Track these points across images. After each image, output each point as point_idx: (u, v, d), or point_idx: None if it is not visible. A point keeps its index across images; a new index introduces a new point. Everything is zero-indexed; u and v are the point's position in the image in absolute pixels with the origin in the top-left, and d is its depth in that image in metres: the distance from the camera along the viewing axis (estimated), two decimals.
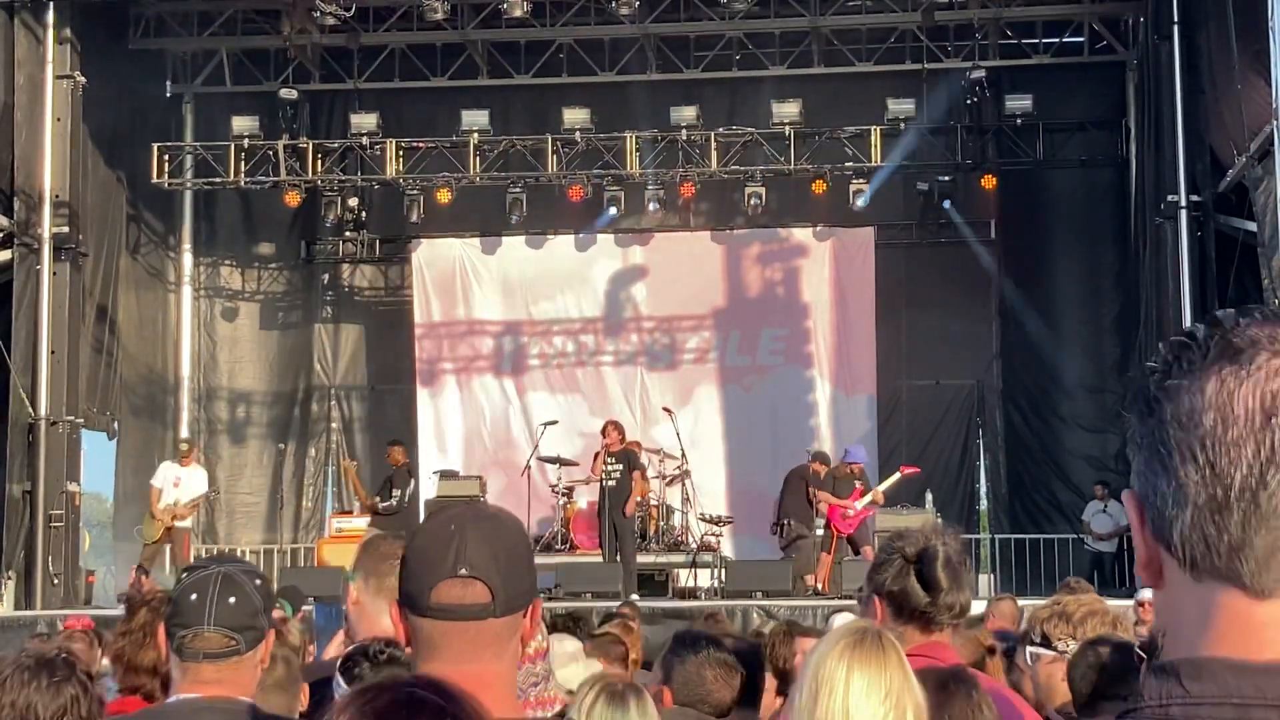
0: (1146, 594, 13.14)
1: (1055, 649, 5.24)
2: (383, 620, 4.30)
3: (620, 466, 18.93)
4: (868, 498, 18.89)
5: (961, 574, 4.01)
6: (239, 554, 23.88)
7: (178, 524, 20.29)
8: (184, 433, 25.16)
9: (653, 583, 20.10)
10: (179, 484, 20.32)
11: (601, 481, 19.06)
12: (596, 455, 19.49)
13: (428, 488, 21.69)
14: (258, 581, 3.53)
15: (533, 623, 2.63)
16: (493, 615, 2.51)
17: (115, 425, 23.08)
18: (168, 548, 20.68)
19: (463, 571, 2.49)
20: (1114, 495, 22.50)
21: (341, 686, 4.53)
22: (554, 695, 3.59)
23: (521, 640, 2.62)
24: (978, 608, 7.77)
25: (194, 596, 3.41)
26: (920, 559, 3.94)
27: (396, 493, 20.38)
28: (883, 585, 4.01)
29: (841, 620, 8.78)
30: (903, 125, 22.87)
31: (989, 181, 23.31)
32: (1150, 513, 1.39)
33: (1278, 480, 1.32)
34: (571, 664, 5.73)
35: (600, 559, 19.26)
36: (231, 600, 3.41)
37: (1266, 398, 1.33)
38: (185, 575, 3.53)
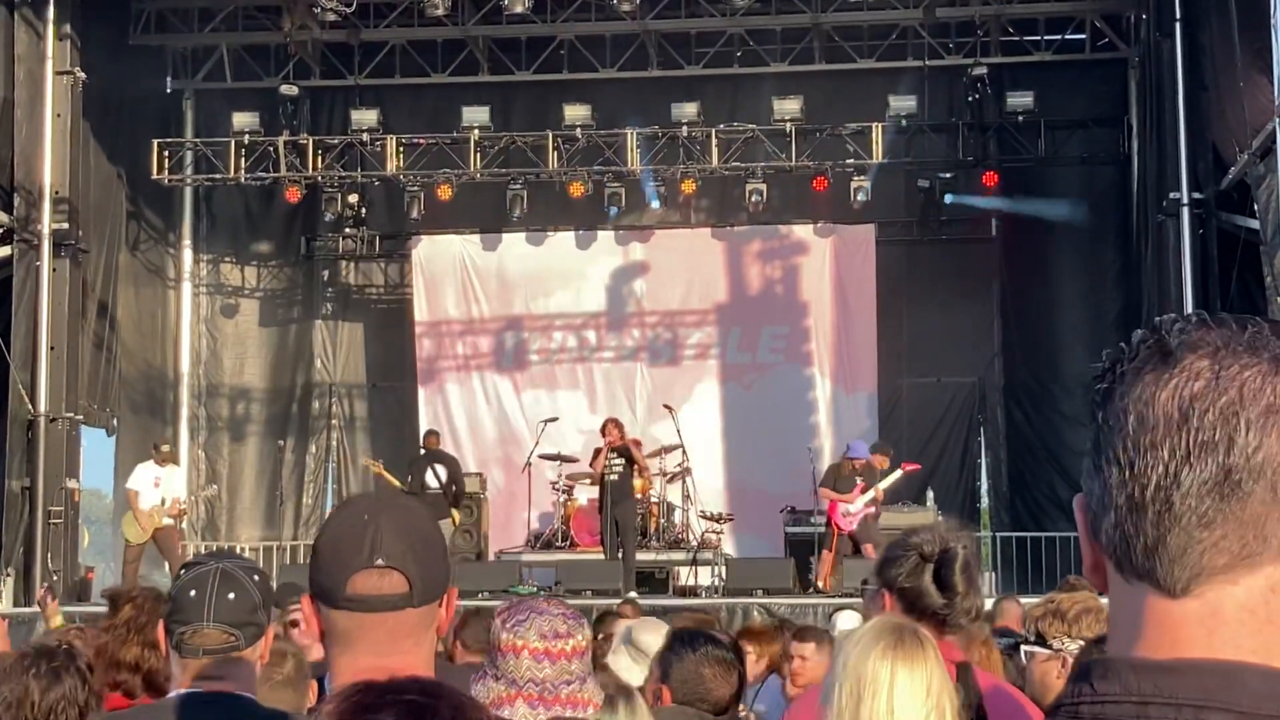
0: None
1: (1050, 647, 5.22)
2: None
3: (621, 461, 18.91)
4: (869, 495, 18.86)
5: (976, 577, 4.00)
6: (239, 551, 23.87)
7: (165, 522, 20.02)
8: (184, 430, 25.20)
9: (653, 580, 20.08)
10: (159, 484, 19.91)
11: (603, 476, 19.03)
12: (598, 452, 19.46)
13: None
14: (256, 577, 3.51)
15: (448, 612, 2.58)
16: (410, 605, 2.48)
17: (114, 422, 23.05)
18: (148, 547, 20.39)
19: (379, 562, 2.45)
20: None
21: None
22: (587, 698, 3.52)
23: (437, 631, 2.58)
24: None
25: (193, 593, 3.40)
26: (940, 561, 3.91)
27: (432, 478, 19.97)
28: (895, 581, 3.98)
29: (846, 618, 8.74)
30: (904, 122, 22.85)
31: (990, 178, 23.30)
32: (1090, 516, 1.43)
33: (1191, 479, 1.33)
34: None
35: (601, 556, 19.23)
36: (231, 596, 3.40)
37: (1184, 399, 1.35)
38: (184, 572, 3.52)
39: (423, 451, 20.23)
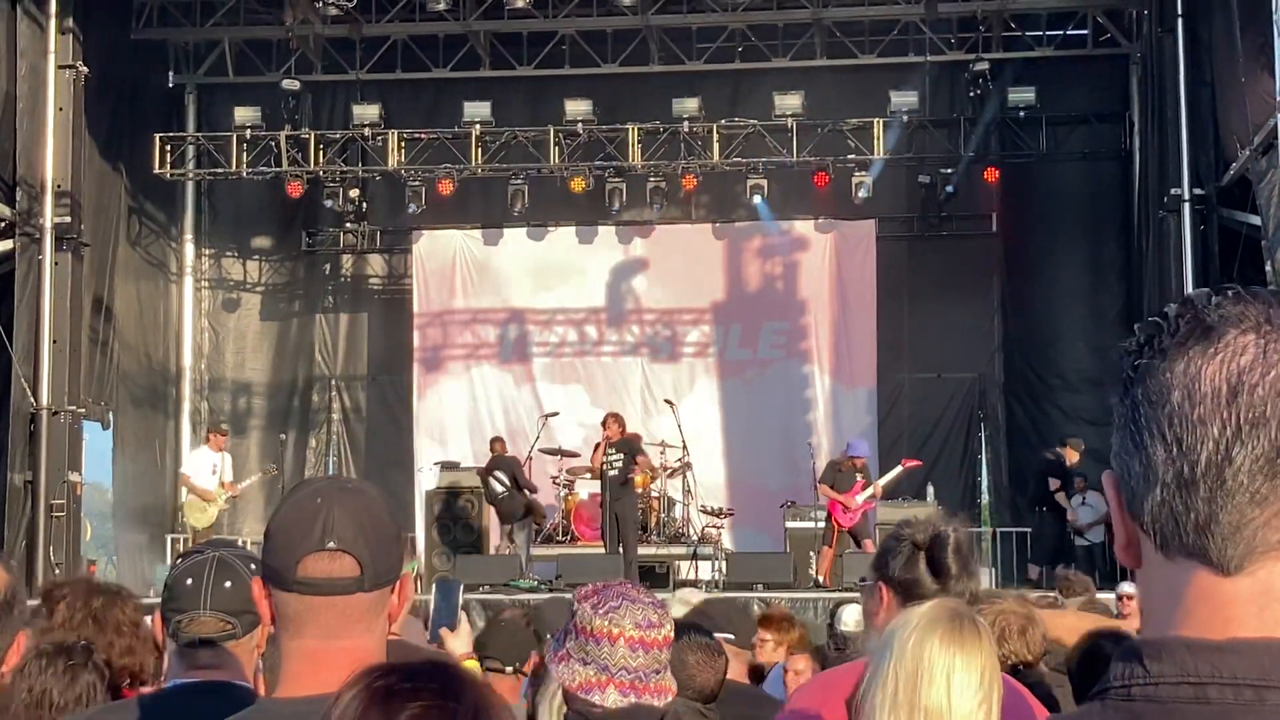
0: (1127, 587, 13.14)
1: None
2: None
3: (621, 455, 18.89)
4: (868, 491, 18.88)
5: (971, 561, 4.00)
6: (240, 544, 23.83)
7: (223, 505, 19.95)
8: (185, 424, 25.23)
9: (653, 575, 20.08)
10: (215, 470, 19.87)
11: (603, 471, 19.03)
12: (597, 446, 19.46)
13: (429, 479, 21.71)
14: (252, 566, 3.51)
15: (401, 598, 2.56)
16: (361, 589, 2.46)
17: (110, 416, 23.04)
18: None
19: (331, 545, 2.44)
20: (1092, 486, 22.48)
21: None
22: (668, 685, 3.55)
23: (389, 616, 2.56)
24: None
25: (189, 581, 3.40)
26: (931, 545, 3.92)
27: (496, 484, 19.92)
28: (890, 572, 3.99)
29: (851, 613, 8.73)
30: (905, 118, 22.85)
31: (991, 174, 23.29)
32: (1126, 493, 1.40)
33: (1243, 456, 1.32)
34: None
35: (602, 550, 19.24)
36: (227, 584, 3.40)
37: (1233, 374, 1.33)
38: (180, 561, 3.52)
39: (488, 463, 20.28)
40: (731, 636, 5.82)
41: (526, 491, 19.96)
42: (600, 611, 3.53)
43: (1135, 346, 1.41)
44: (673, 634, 3.60)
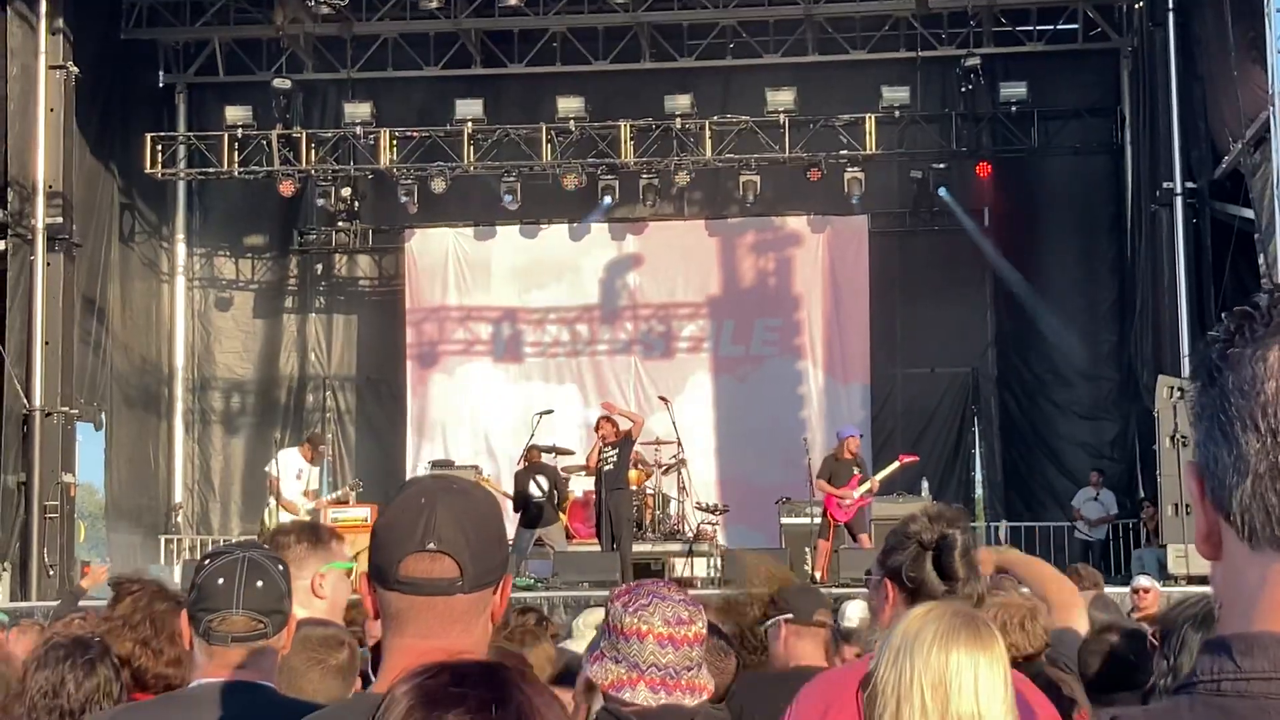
0: (1143, 580, 13.16)
1: None
2: None
3: (616, 452, 18.84)
4: (865, 486, 18.87)
5: (977, 563, 4.01)
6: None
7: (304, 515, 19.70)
8: (178, 423, 25.18)
9: (648, 572, 20.03)
10: (301, 476, 19.46)
11: (598, 468, 18.98)
12: (595, 447, 19.38)
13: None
14: (280, 567, 3.52)
15: (503, 599, 2.58)
16: (461, 591, 2.48)
17: (102, 416, 22.99)
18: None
19: (431, 546, 2.46)
20: (1109, 484, 22.53)
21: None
22: (703, 683, 3.54)
23: (492, 617, 2.57)
24: None
25: (221, 580, 3.40)
26: (938, 548, 3.93)
27: (535, 489, 19.82)
28: (897, 570, 3.99)
29: (855, 609, 8.69)
30: (897, 113, 22.87)
31: (983, 169, 23.32)
32: (1210, 483, 1.38)
33: None
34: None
35: (597, 548, 19.22)
36: (259, 584, 3.41)
37: None
38: (209, 561, 3.51)
39: (524, 465, 20.18)
40: (790, 615, 5.77)
41: (555, 501, 19.91)
42: (630, 609, 3.53)
43: (1224, 335, 1.38)
44: (705, 631, 3.59)
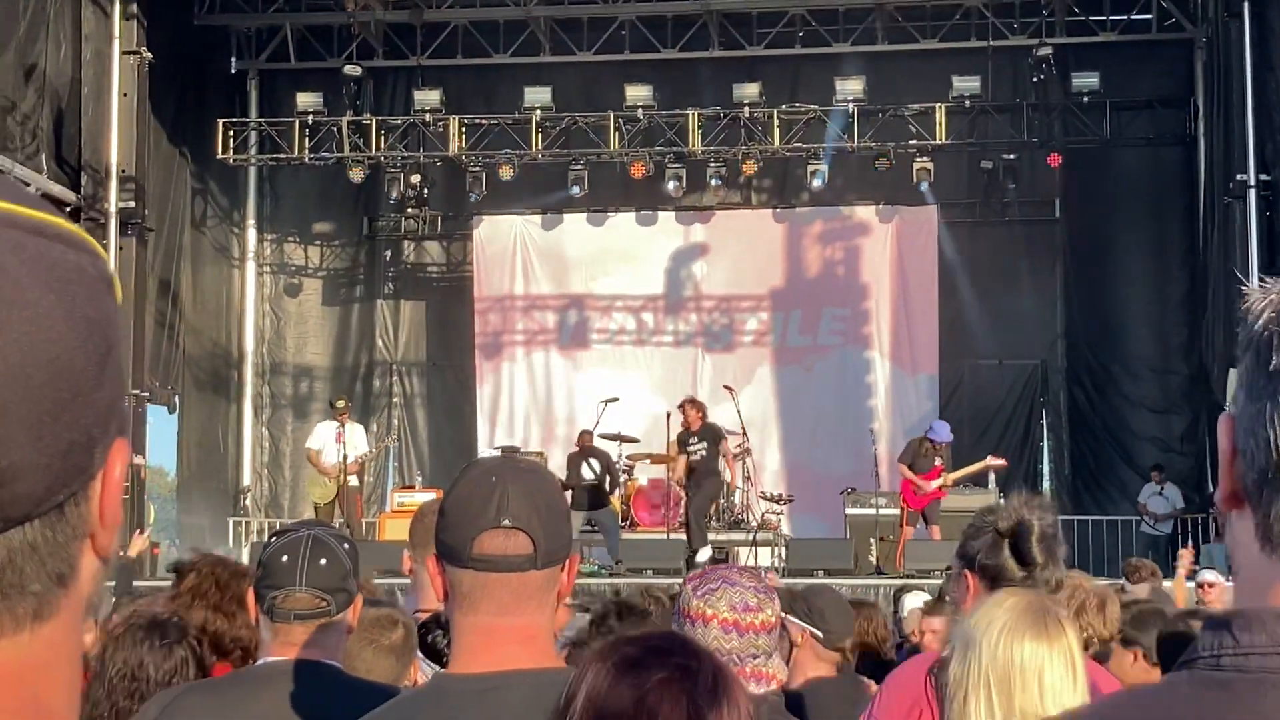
0: (1209, 575, 13.06)
1: None
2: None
3: (704, 444, 18.62)
4: (942, 479, 18.67)
5: (1055, 549, 3.97)
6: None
7: (349, 481, 19.92)
8: (248, 408, 25.43)
9: (713, 561, 20.07)
10: (341, 440, 19.66)
11: (689, 461, 18.71)
12: (678, 437, 19.11)
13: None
14: (346, 546, 3.54)
15: (569, 576, 2.59)
16: (534, 567, 2.49)
17: (176, 399, 23.22)
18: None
19: (506, 523, 2.47)
20: (1171, 479, 22.34)
21: (419, 656, 4.54)
22: (772, 672, 3.54)
23: (558, 594, 2.58)
24: None
25: (285, 558, 3.42)
26: (1014, 534, 3.90)
27: (588, 472, 19.87)
28: (975, 559, 3.97)
29: (914, 600, 8.66)
30: (968, 103, 22.73)
31: (1054, 160, 23.13)
32: (1245, 450, 1.34)
33: None
34: None
35: (663, 536, 19.24)
36: (322, 562, 3.42)
37: None
38: (274, 539, 3.53)
39: (578, 448, 20.26)
40: (820, 634, 5.64)
41: (609, 484, 19.88)
42: (699, 593, 3.54)
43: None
44: (774, 619, 3.58)
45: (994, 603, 3.20)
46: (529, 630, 2.50)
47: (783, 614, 5.28)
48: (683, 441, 18.74)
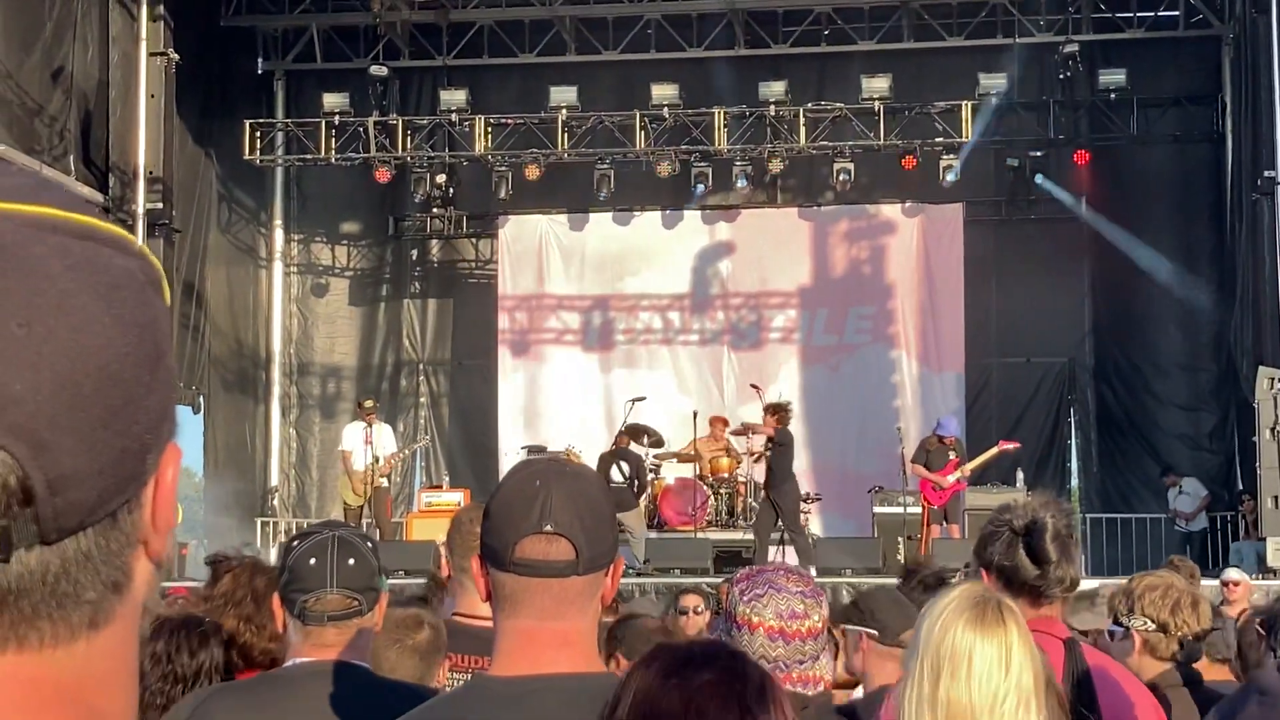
0: (1233, 573, 13.04)
1: (1123, 625, 5.18)
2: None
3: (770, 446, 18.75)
4: (959, 472, 18.68)
5: (1070, 547, 3.98)
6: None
7: (379, 483, 20.00)
8: (275, 408, 25.48)
9: (740, 560, 20.03)
10: (369, 441, 19.80)
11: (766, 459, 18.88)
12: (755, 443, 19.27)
13: (514, 462, 21.69)
14: (369, 545, 3.55)
15: (613, 581, 2.59)
16: (576, 573, 2.48)
17: (201, 400, 23.28)
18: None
19: (548, 528, 2.46)
20: (1203, 476, 22.27)
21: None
22: (818, 675, 3.54)
23: (602, 599, 2.58)
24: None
25: (313, 560, 3.42)
26: (1028, 532, 3.90)
27: (617, 474, 19.90)
28: (991, 559, 3.97)
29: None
30: (994, 100, 22.66)
31: (1081, 157, 23.07)
32: None
33: None
34: None
35: (689, 534, 19.25)
36: (351, 562, 3.43)
37: None
38: (298, 543, 3.53)
39: (611, 448, 20.29)
40: (875, 632, 5.63)
41: (636, 489, 19.90)
42: (745, 598, 3.54)
43: None
44: (821, 625, 3.56)
45: (944, 593, 3.17)
46: (570, 635, 2.50)
47: (843, 626, 5.27)
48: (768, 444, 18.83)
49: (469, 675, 4.22)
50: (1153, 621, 5.15)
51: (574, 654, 2.49)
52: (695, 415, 20.83)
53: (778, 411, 19.00)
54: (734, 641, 3.49)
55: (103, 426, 0.92)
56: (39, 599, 0.92)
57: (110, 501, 0.94)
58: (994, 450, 19.27)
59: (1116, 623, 5.23)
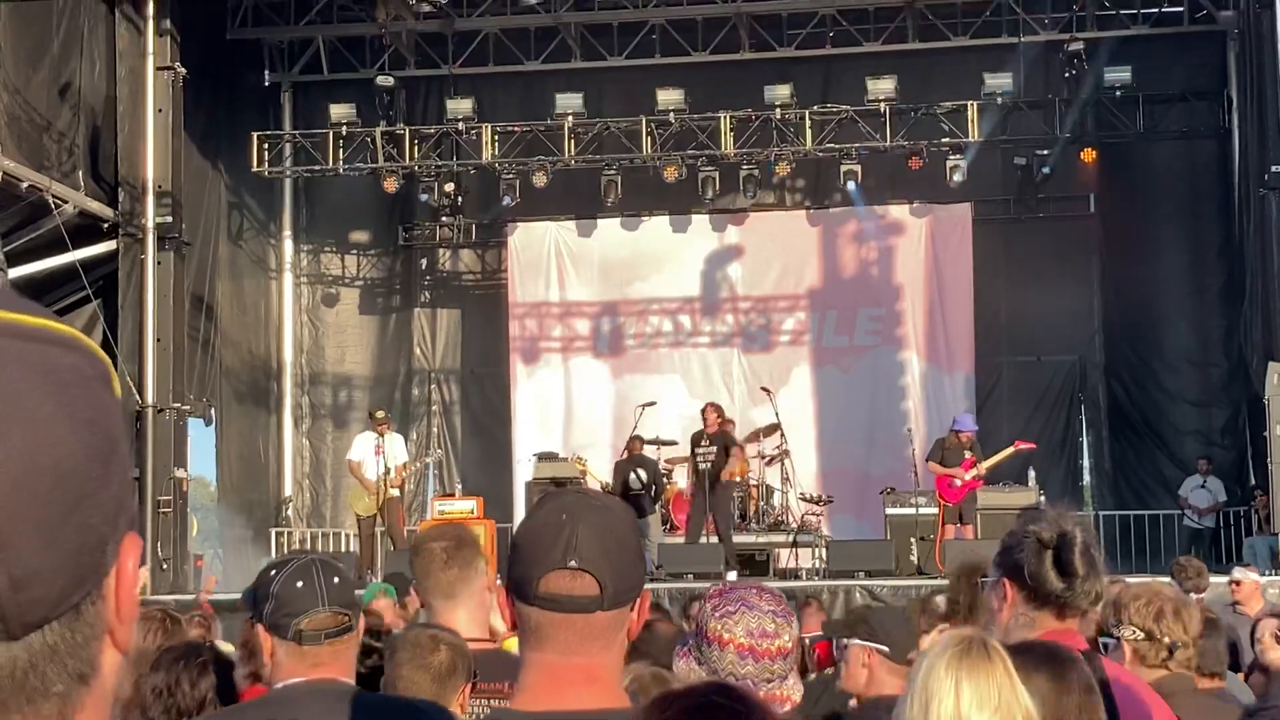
0: (1238, 572, 13.01)
1: (1114, 636, 5.19)
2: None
3: (714, 449, 18.78)
4: (975, 470, 18.63)
5: (1097, 560, 3.96)
6: (343, 536, 24.17)
7: (391, 493, 20.08)
8: (287, 418, 25.55)
9: (753, 563, 20.09)
10: (381, 452, 19.82)
11: (695, 465, 18.95)
12: (692, 437, 19.36)
13: (526, 470, 21.78)
14: (341, 565, 3.63)
15: (640, 615, 2.56)
16: (600, 609, 2.46)
17: (212, 412, 23.33)
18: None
19: (572, 563, 2.44)
20: (1219, 472, 22.24)
21: None
22: (785, 694, 3.54)
23: (628, 633, 2.56)
24: None
25: (300, 584, 3.46)
26: (1059, 546, 3.89)
27: (635, 481, 19.89)
28: (1016, 568, 3.95)
29: (943, 601, 8.64)
30: (1000, 100, 22.66)
31: (1088, 155, 23.06)
32: None
33: None
34: None
35: (703, 540, 19.26)
36: (336, 580, 3.49)
37: None
38: (276, 571, 3.54)
39: (626, 455, 20.32)
40: (886, 649, 5.69)
41: (653, 494, 19.93)
42: (717, 614, 3.54)
43: None
44: (791, 645, 3.57)
45: (943, 636, 3.21)
46: (594, 670, 2.47)
47: (849, 640, 5.28)
48: (694, 443, 18.87)
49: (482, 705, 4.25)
50: (1139, 630, 5.15)
51: (598, 690, 2.47)
52: None
53: (719, 411, 19.09)
54: (703, 657, 3.51)
55: (61, 522, 0.94)
56: (8, 694, 0.94)
57: (73, 595, 0.96)
58: (1010, 450, 19.21)
59: (1106, 634, 5.23)
